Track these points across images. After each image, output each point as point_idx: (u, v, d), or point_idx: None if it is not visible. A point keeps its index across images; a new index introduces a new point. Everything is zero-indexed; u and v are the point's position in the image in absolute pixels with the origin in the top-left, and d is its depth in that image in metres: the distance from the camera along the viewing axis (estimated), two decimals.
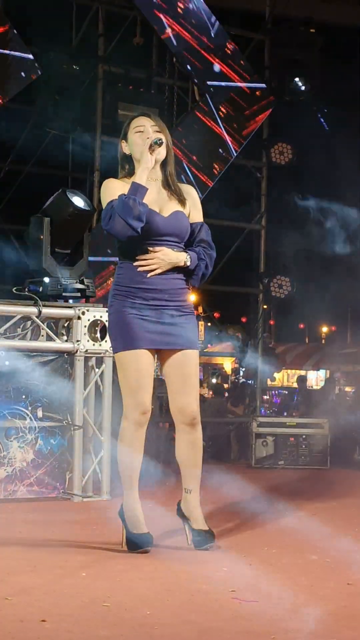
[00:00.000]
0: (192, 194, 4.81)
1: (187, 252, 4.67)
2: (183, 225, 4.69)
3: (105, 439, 6.77)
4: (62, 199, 6.87)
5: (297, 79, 10.70)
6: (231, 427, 11.04)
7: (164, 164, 4.73)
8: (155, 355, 4.69)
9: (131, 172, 4.73)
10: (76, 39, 10.31)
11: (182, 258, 4.64)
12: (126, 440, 4.63)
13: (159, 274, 4.61)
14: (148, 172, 4.61)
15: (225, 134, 10.15)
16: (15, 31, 9.00)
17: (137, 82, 10.65)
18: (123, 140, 4.79)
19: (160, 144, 4.65)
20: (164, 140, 4.67)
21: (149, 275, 4.59)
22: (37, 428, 6.45)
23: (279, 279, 11.19)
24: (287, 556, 4.59)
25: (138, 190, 4.53)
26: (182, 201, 4.73)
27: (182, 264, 4.63)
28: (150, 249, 4.60)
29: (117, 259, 4.83)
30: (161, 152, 4.69)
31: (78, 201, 6.88)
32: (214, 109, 10.25)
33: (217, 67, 10.40)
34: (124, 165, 4.79)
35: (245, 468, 9.36)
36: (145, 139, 4.64)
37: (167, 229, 4.63)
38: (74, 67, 9.52)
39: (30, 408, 6.43)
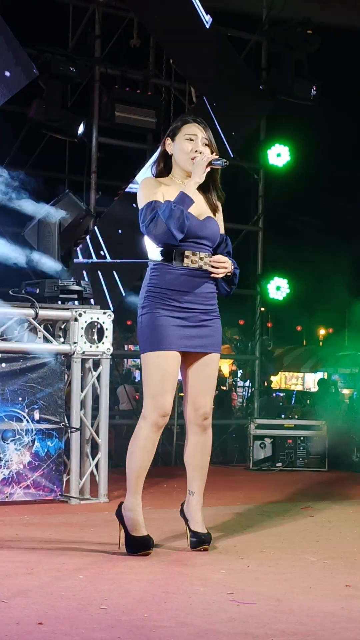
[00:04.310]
0: (220, 207, 4.83)
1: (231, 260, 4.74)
2: (216, 231, 4.74)
3: (103, 441, 6.76)
4: (71, 201, 6.87)
5: (313, 88, 10.71)
6: (229, 430, 11.03)
7: (211, 170, 4.73)
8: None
9: (163, 173, 4.75)
10: (73, 41, 10.31)
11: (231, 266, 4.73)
12: (140, 441, 4.60)
13: (193, 276, 4.63)
14: (197, 185, 4.63)
15: (223, 135, 10.13)
16: (11, 32, 8.98)
17: (134, 83, 10.64)
18: (169, 138, 4.76)
19: (224, 167, 4.68)
20: (228, 163, 4.69)
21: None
22: (34, 430, 6.43)
23: (276, 281, 11.17)
24: (285, 558, 4.58)
25: (185, 201, 4.55)
26: (214, 210, 4.78)
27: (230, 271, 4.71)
28: (189, 252, 4.61)
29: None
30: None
31: (82, 204, 6.92)
32: (210, 110, 10.23)
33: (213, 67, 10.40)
34: (159, 162, 4.78)
35: (243, 470, 9.35)
36: (194, 152, 4.65)
37: (203, 232, 4.66)
38: (71, 68, 9.50)
39: (27, 410, 6.41)
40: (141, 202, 4.64)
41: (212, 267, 4.65)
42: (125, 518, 4.62)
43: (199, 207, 4.70)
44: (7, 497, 6.30)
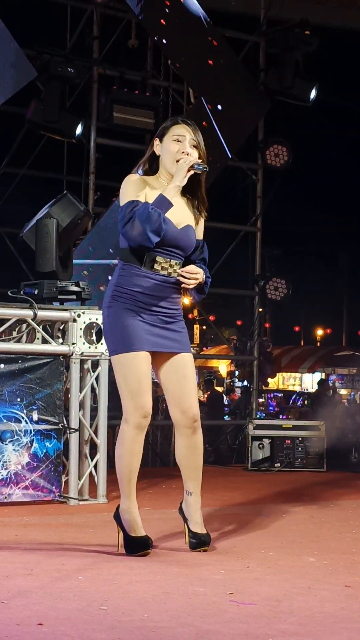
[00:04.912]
0: (202, 216, 4.78)
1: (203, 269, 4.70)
2: (191, 241, 4.68)
3: (101, 442, 6.76)
4: (69, 202, 6.87)
5: (313, 90, 10.75)
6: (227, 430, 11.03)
7: (195, 174, 4.66)
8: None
9: (149, 173, 4.70)
10: (71, 42, 10.32)
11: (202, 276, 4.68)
12: (126, 444, 4.60)
13: (161, 282, 4.59)
14: (179, 189, 4.59)
15: (221, 136, 10.13)
16: (10, 33, 8.98)
17: (132, 84, 10.65)
18: (157, 139, 4.71)
19: (204, 171, 4.64)
20: (208, 168, 4.66)
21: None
22: (33, 431, 6.42)
23: (274, 282, 11.17)
24: (284, 558, 4.58)
25: (164, 205, 4.51)
26: (195, 216, 4.73)
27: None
28: (161, 258, 4.57)
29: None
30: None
31: (81, 204, 6.92)
32: (208, 111, 10.24)
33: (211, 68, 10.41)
34: (145, 163, 4.73)
35: (242, 471, 9.35)
36: (181, 153, 4.59)
37: (178, 241, 4.61)
38: (69, 69, 9.50)
39: (25, 411, 6.40)
40: (122, 200, 4.58)
41: (184, 277, 4.60)
42: (122, 520, 4.63)
43: (179, 214, 4.64)
44: (5, 497, 6.29)
